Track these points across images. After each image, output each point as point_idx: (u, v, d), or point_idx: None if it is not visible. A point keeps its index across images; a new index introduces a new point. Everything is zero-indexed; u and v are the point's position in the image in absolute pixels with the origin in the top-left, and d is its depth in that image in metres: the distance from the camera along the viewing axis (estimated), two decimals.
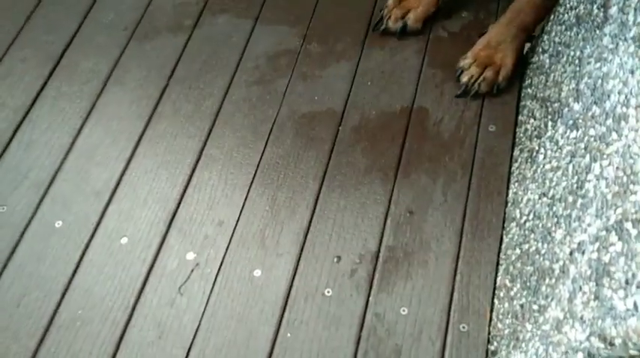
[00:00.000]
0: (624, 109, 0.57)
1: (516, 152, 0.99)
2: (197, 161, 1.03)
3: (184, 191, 1.00)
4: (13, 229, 0.96)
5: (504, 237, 0.92)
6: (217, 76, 1.12)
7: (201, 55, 1.15)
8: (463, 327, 0.85)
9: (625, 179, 0.54)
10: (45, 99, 1.12)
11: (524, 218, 0.84)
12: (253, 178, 1.00)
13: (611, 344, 0.49)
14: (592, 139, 0.65)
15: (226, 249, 0.93)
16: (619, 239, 0.52)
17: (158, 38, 1.18)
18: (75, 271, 0.92)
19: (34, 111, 1.10)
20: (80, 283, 0.91)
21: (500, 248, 0.92)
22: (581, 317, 0.56)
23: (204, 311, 0.88)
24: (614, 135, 0.58)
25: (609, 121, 0.61)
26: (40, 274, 0.92)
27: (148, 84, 1.12)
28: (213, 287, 0.90)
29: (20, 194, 1.00)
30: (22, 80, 1.14)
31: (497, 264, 0.90)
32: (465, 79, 1.05)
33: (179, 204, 0.98)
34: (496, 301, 0.87)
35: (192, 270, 0.92)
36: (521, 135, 0.98)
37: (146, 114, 1.09)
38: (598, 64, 0.68)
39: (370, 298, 0.88)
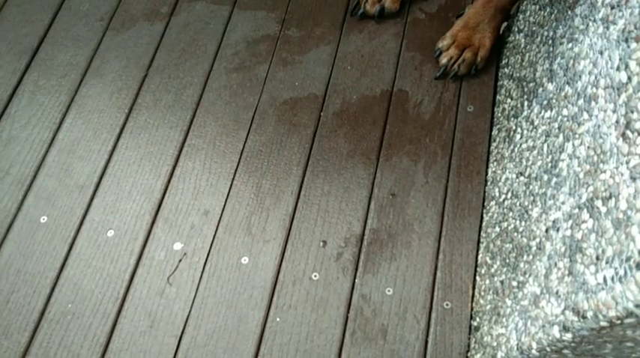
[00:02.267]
0: (594, 90, 0.59)
1: (495, 131, 1.01)
2: (180, 151, 1.03)
3: (169, 181, 1.00)
4: None
5: (484, 215, 0.94)
6: (197, 64, 1.12)
7: (179, 43, 1.14)
8: (447, 305, 0.88)
9: (595, 158, 0.56)
10: (23, 93, 1.11)
11: (503, 196, 0.87)
12: (237, 166, 1.01)
13: (584, 317, 0.52)
14: (565, 119, 0.66)
15: (213, 238, 0.94)
16: (590, 216, 0.54)
17: (135, 27, 1.17)
18: (63, 265, 0.93)
19: (12, 106, 1.09)
20: (69, 277, 0.92)
21: (480, 226, 0.94)
22: (557, 292, 0.59)
23: (193, 300, 0.89)
24: (585, 115, 0.60)
25: (580, 101, 0.62)
26: (27, 270, 0.93)
27: (127, 75, 1.11)
28: (201, 275, 0.91)
29: (3, 190, 1.00)
30: None
31: (478, 242, 0.93)
32: (444, 60, 1.06)
33: (164, 194, 0.99)
34: (478, 278, 0.89)
35: (180, 260, 0.93)
36: (499, 114, 1.00)
37: (126, 105, 1.08)
38: (570, 45, 0.69)
39: (356, 280, 0.90)
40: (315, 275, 0.91)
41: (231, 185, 0.99)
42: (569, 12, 0.72)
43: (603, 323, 0.49)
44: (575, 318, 0.53)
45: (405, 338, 0.85)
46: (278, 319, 0.88)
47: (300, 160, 1.01)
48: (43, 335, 0.87)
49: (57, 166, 1.02)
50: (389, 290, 0.89)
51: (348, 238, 0.94)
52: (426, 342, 0.85)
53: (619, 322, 0.48)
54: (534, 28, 0.89)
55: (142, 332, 0.87)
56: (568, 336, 0.55)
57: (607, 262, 0.49)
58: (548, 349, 0.60)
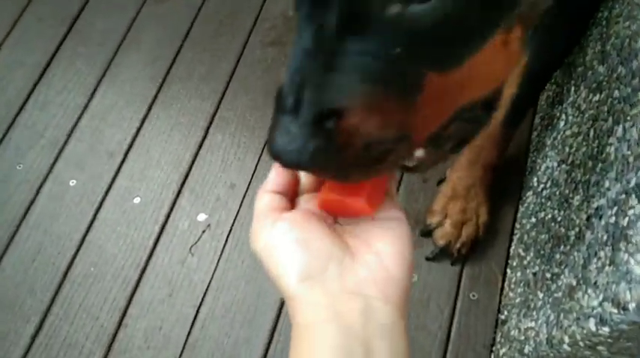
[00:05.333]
0: None
1: (537, 120, 0.96)
2: (210, 123, 1.02)
3: (197, 153, 0.99)
4: (29, 187, 0.98)
5: (520, 206, 0.90)
6: (233, 37, 1.11)
7: (217, 16, 1.13)
8: (473, 295, 0.84)
9: None
10: (61, 59, 1.12)
11: (542, 186, 0.82)
12: (266, 142, 0.99)
13: (625, 309, 0.48)
14: (616, 101, 0.62)
15: (237, 211, 0.93)
16: (639, 202, 0.50)
17: None
18: (88, 229, 0.93)
19: (50, 70, 1.10)
20: (93, 241, 0.92)
21: (515, 217, 0.90)
22: (595, 283, 0.54)
23: (214, 271, 0.88)
24: None
25: (635, 81, 0.58)
26: (54, 231, 0.93)
27: (163, 45, 1.11)
28: (224, 247, 0.90)
29: (36, 152, 1.01)
30: (39, 40, 1.14)
31: (512, 233, 0.89)
32: (441, 242, 0.86)
33: (192, 165, 0.98)
34: (509, 270, 0.85)
35: (203, 231, 0.92)
36: (543, 102, 0.95)
37: (160, 75, 1.08)
38: (627, 23, 0.64)
39: None
40: None
41: (258, 160, 0.98)
42: None
43: None
44: (615, 310, 0.49)
45: (428, 327, 0.82)
46: None
47: None
48: (65, 296, 0.88)
49: (89, 132, 1.03)
50: (413, 277, 0.86)
51: None
52: (449, 332, 0.82)
53: None
54: None
55: (161, 300, 0.87)
56: (605, 330, 0.51)
57: None
58: (581, 344, 0.56)
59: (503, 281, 0.85)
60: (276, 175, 0.42)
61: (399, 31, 0.34)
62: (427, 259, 0.87)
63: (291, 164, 0.37)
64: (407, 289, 0.39)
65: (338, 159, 0.36)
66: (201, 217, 0.93)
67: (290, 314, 0.37)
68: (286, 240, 0.38)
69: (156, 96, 1.06)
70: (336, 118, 0.35)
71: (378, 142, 0.36)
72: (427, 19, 0.33)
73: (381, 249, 0.38)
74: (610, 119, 0.62)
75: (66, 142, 1.02)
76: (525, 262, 0.79)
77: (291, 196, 0.42)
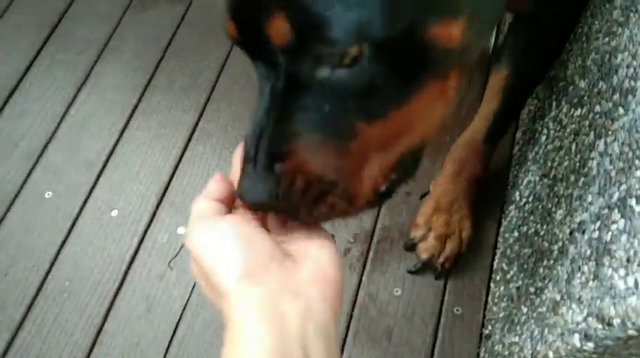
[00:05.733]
0: (632, 83, 0.55)
1: (518, 134, 0.96)
2: (191, 134, 1.01)
3: (177, 164, 0.98)
4: (3, 198, 0.95)
5: (503, 220, 0.90)
6: (215, 47, 1.09)
7: (199, 26, 1.12)
8: (457, 310, 0.84)
9: (630, 154, 0.51)
10: (39, 67, 1.09)
11: (524, 200, 0.82)
12: None
13: (609, 325, 0.47)
14: (597, 116, 0.62)
15: None
16: (622, 216, 0.50)
17: (156, 8, 1.15)
18: (64, 242, 0.91)
19: (27, 78, 1.08)
20: (69, 254, 0.90)
21: (498, 231, 0.90)
22: (579, 298, 0.54)
23: (193, 286, 0.86)
24: (621, 110, 0.56)
25: (616, 96, 0.58)
26: (28, 244, 0.90)
27: (144, 54, 1.10)
28: None
29: (11, 163, 0.98)
30: (16, 47, 1.11)
31: (495, 247, 0.88)
32: (424, 255, 0.85)
33: (172, 177, 0.96)
34: (492, 284, 0.85)
35: (183, 245, 0.90)
36: (524, 116, 0.96)
37: (141, 85, 1.06)
38: (606, 39, 0.65)
39: (363, 278, 0.86)
40: None
41: None
42: (607, 5, 0.68)
43: (631, 332, 0.45)
44: (600, 326, 0.48)
45: (411, 342, 0.81)
46: None
47: None
48: (38, 312, 0.85)
49: (66, 141, 1.00)
50: (397, 291, 0.85)
51: (358, 234, 0.90)
52: (433, 348, 0.81)
53: None
54: None
55: (139, 316, 0.84)
56: (590, 346, 0.51)
57: (639, 265, 0.45)
58: None
59: (487, 295, 0.84)
60: (215, 184, 0.43)
61: (329, 89, 0.40)
62: (409, 272, 0.86)
63: (252, 205, 0.42)
64: (341, 295, 0.40)
65: (286, 198, 0.41)
66: (181, 230, 0.91)
67: (225, 312, 0.37)
68: (228, 235, 0.39)
69: (136, 106, 1.04)
70: (283, 162, 0.40)
71: (317, 182, 0.41)
72: (352, 82, 0.39)
73: (318, 256, 0.40)
74: (592, 133, 0.63)
75: (42, 152, 0.99)
76: (509, 276, 0.79)
77: (228, 206, 0.43)
